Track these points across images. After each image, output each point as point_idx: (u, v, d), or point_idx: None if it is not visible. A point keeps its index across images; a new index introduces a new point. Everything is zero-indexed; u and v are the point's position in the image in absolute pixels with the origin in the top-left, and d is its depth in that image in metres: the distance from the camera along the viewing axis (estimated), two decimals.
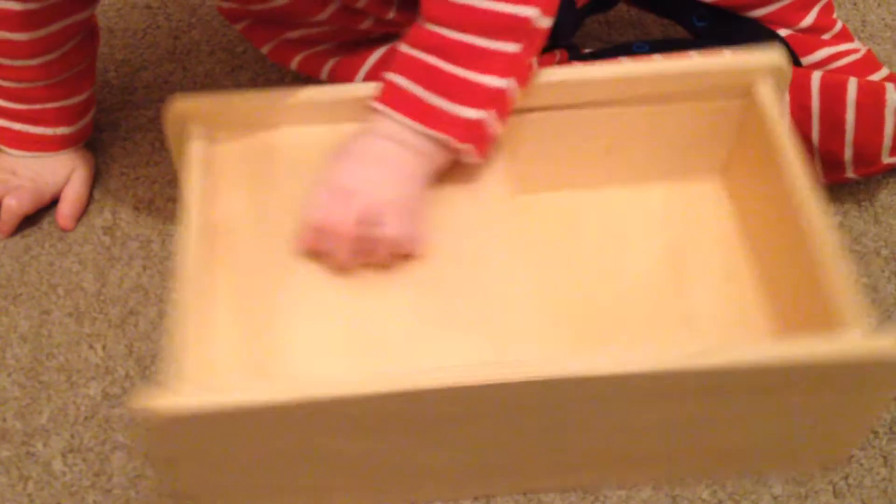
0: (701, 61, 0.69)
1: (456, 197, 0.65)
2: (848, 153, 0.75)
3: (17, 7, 0.70)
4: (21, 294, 0.74)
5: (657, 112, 0.70)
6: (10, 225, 0.76)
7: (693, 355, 0.55)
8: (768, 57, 0.68)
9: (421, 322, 0.60)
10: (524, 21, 0.61)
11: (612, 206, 0.74)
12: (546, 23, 0.63)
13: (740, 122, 0.70)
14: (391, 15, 0.72)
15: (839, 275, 0.59)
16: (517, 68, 0.62)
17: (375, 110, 0.63)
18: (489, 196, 0.65)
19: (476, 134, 0.62)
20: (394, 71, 0.63)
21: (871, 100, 0.74)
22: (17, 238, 0.77)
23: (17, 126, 0.76)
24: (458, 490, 0.63)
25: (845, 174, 0.76)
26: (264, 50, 0.77)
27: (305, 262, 0.63)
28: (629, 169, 0.74)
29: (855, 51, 0.80)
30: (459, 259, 0.62)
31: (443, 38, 0.61)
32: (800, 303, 0.63)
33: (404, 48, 0.63)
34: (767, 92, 0.68)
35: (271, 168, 0.67)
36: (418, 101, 0.62)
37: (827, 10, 0.81)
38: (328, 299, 0.61)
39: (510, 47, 0.61)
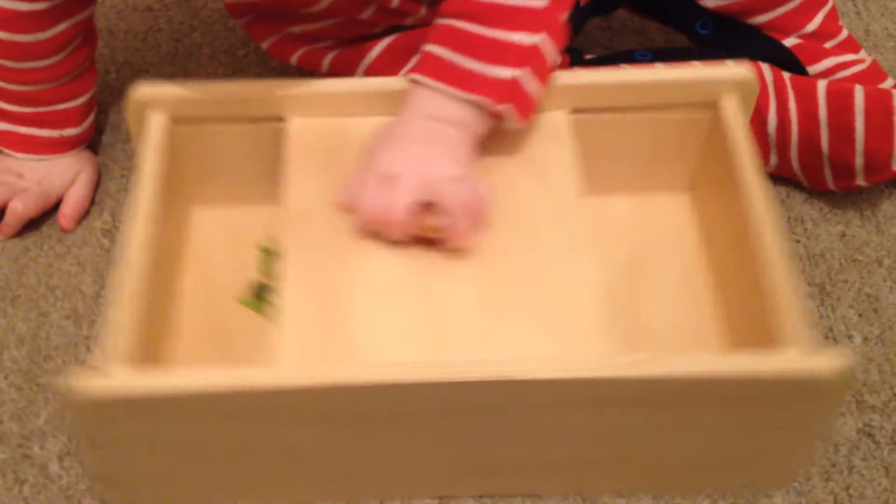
0: (668, 72, 0.70)
1: (525, 190, 0.66)
2: (859, 161, 0.75)
3: (24, 8, 0.70)
4: (19, 296, 0.73)
5: (624, 121, 0.70)
6: (13, 228, 0.76)
7: (633, 364, 0.55)
8: (735, 71, 0.68)
9: (483, 311, 0.61)
10: None
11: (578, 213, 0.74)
12: None
13: (707, 136, 0.71)
14: (395, 2, 0.72)
15: (786, 294, 0.59)
16: (547, 23, 0.63)
17: (414, 82, 0.64)
18: (557, 193, 0.66)
19: (513, 94, 0.63)
20: (429, 42, 0.64)
21: (880, 107, 0.74)
22: (15, 240, 0.76)
23: (24, 130, 0.76)
24: (409, 489, 0.63)
25: (856, 181, 0.76)
26: (265, 45, 0.77)
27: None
28: (597, 177, 0.73)
29: (861, 61, 0.80)
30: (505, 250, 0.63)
31: (470, 2, 0.62)
32: (749, 321, 0.63)
33: (437, 20, 0.64)
34: (732, 106, 0.68)
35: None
36: (453, 67, 0.62)
37: (832, 16, 0.81)
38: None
39: (537, 2, 0.62)
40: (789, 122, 0.77)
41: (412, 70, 0.64)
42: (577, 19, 0.80)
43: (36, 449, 0.65)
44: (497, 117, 0.64)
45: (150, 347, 0.62)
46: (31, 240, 0.76)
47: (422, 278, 0.62)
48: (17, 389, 0.68)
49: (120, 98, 0.86)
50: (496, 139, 0.66)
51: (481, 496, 0.63)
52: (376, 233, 0.63)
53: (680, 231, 0.73)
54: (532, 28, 0.62)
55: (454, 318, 0.60)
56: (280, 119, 0.69)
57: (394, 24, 0.75)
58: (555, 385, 0.55)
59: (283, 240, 0.64)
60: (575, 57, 0.82)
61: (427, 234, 0.62)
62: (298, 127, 0.69)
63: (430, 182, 0.61)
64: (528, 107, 0.64)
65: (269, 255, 0.70)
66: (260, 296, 0.69)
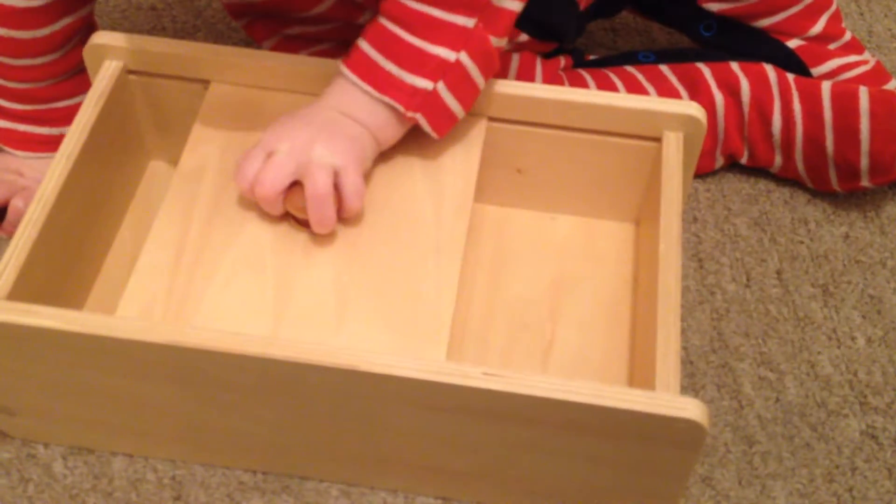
0: (613, 99, 0.69)
1: (417, 189, 0.66)
2: (864, 162, 0.75)
3: (21, 4, 0.70)
4: None
5: (569, 140, 0.70)
6: (16, 226, 0.75)
7: (483, 376, 0.55)
8: (682, 108, 0.68)
9: (335, 298, 0.61)
10: None
11: (516, 226, 0.75)
12: (511, 5, 0.64)
13: (652, 169, 0.70)
14: None
15: (666, 339, 0.58)
16: (470, 43, 0.63)
17: (339, 72, 0.65)
18: (448, 196, 0.66)
19: (425, 104, 0.63)
20: (362, 37, 0.64)
21: (885, 109, 0.74)
22: None
23: (22, 127, 0.76)
24: (265, 461, 0.64)
25: (860, 183, 0.76)
26: (265, 46, 0.77)
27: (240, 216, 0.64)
28: (544, 195, 0.74)
29: (864, 62, 0.80)
30: (389, 246, 0.64)
31: (403, 7, 0.63)
32: (643, 359, 0.63)
33: (376, 17, 0.65)
34: (673, 143, 0.67)
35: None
36: (374, 66, 0.63)
37: (835, 18, 0.81)
38: (255, 256, 0.63)
39: (463, 20, 0.62)
40: (794, 124, 0.77)
41: (343, 60, 0.65)
42: (578, 21, 0.81)
43: (40, 448, 0.65)
44: (410, 124, 0.65)
45: (53, 284, 0.64)
46: None
47: (284, 256, 0.63)
48: None
49: None
50: (406, 135, 0.66)
51: (340, 483, 0.64)
52: (258, 205, 0.64)
53: (616, 260, 0.73)
54: (455, 44, 0.62)
55: (303, 299, 0.61)
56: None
57: None
58: (382, 380, 0.55)
59: (165, 196, 0.65)
60: (577, 58, 0.82)
61: (295, 214, 0.63)
62: (217, 92, 0.70)
63: (304, 164, 0.62)
64: (442, 120, 0.65)
65: None
66: None
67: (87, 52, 0.70)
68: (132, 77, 0.71)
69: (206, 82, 0.70)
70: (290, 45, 0.76)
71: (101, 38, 0.70)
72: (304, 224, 0.64)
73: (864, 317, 0.73)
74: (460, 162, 0.67)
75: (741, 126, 0.79)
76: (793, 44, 0.80)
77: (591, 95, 0.69)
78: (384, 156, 0.67)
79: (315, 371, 0.55)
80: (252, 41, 0.81)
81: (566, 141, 0.70)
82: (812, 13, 0.80)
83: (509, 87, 0.69)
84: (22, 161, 0.77)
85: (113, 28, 0.90)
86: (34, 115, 0.75)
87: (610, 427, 0.56)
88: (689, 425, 0.54)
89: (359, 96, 0.64)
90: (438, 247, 0.63)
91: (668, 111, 0.68)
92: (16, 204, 0.75)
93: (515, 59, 0.77)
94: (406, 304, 0.61)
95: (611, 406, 0.54)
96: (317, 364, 0.55)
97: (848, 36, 0.81)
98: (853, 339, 0.72)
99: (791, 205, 0.79)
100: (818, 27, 0.80)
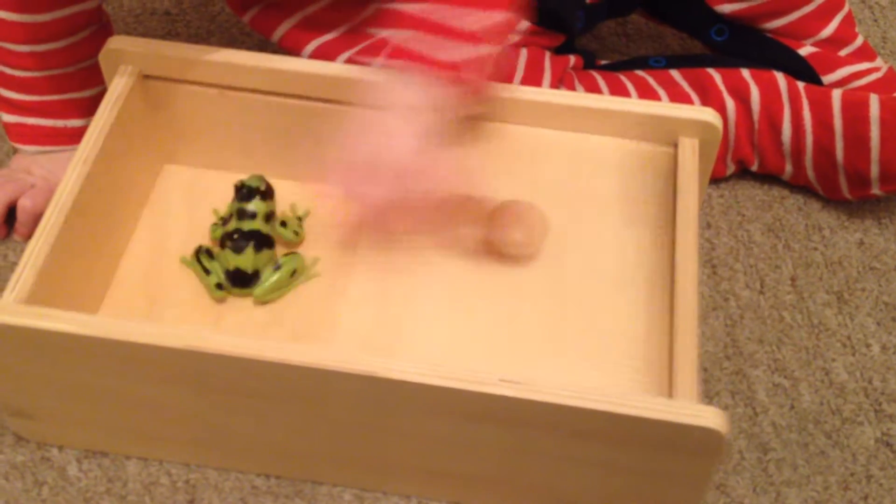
0: (631, 103, 0.69)
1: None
2: (874, 170, 0.75)
3: None
4: None
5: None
6: (27, 227, 0.76)
7: (510, 384, 0.55)
8: (699, 113, 0.68)
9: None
10: None
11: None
12: None
13: (668, 174, 0.70)
14: None
15: (683, 347, 0.58)
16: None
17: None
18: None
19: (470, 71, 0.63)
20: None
21: (895, 116, 0.73)
22: None
23: (31, 120, 0.76)
24: (288, 467, 0.64)
25: (871, 190, 0.76)
26: (275, 38, 0.77)
27: None
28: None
29: (876, 69, 0.80)
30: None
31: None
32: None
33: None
34: (688, 149, 0.67)
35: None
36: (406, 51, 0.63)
37: (847, 22, 0.81)
38: None
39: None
40: (804, 132, 0.77)
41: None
42: (586, 13, 0.80)
43: (55, 451, 0.66)
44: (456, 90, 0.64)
45: (69, 287, 0.64)
46: None
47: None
48: None
49: None
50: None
51: (353, 488, 0.64)
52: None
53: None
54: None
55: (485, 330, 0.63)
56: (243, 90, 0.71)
57: None
58: (420, 390, 0.56)
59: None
60: (588, 60, 0.82)
61: (502, 248, 0.67)
62: (230, 96, 0.70)
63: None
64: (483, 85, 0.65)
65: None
66: (199, 258, 0.70)
67: (103, 57, 0.70)
68: (147, 81, 0.71)
69: (220, 87, 0.70)
70: (302, 32, 0.76)
71: (116, 43, 0.70)
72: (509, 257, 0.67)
73: (878, 324, 0.73)
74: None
75: (751, 133, 0.78)
76: (804, 51, 0.80)
77: (606, 101, 0.69)
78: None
79: (332, 377, 0.56)
80: (266, 43, 0.81)
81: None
82: (824, 14, 0.80)
83: (523, 92, 0.69)
84: (32, 159, 0.77)
85: (127, 33, 0.90)
86: (42, 107, 0.75)
87: (627, 435, 0.55)
88: (707, 434, 0.54)
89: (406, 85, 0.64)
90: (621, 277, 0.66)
91: (683, 117, 0.67)
92: (23, 204, 0.75)
93: (524, 53, 0.77)
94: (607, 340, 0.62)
95: (629, 414, 0.54)
96: (334, 370, 0.55)
97: (860, 41, 0.81)
98: (868, 346, 0.72)
99: (805, 211, 0.79)
100: (830, 29, 0.80)
